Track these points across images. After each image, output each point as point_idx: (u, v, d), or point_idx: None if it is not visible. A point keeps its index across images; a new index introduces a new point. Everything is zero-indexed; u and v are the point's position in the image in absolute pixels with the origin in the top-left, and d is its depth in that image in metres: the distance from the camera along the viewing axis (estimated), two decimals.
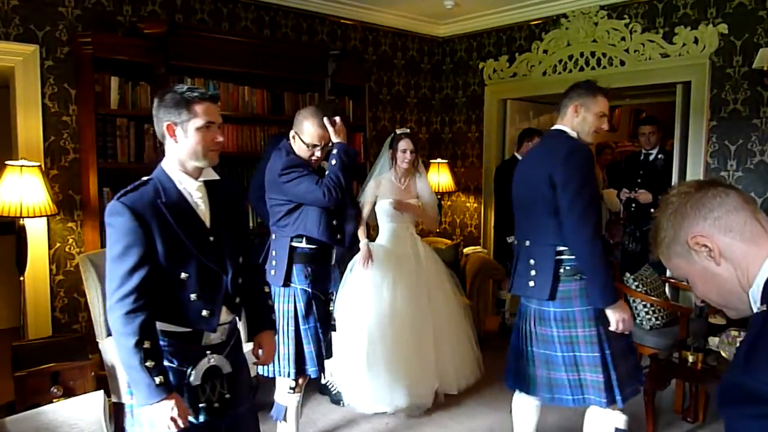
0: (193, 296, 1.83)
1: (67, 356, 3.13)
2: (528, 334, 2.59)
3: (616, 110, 8.66)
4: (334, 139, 2.73)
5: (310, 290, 2.75)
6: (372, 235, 3.94)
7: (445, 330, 3.79)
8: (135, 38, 3.83)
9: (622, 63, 4.69)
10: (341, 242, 2.89)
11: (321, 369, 2.81)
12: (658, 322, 3.81)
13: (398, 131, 3.85)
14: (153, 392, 1.71)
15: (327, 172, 2.72)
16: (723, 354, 3.15)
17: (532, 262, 2.54)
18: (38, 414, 2.32)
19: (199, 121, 1.85)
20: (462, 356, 3.86)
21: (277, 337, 2.66)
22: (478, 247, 5.45)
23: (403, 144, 3.75)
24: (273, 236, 2.86)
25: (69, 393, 2.93)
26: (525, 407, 2.76)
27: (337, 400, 3.72)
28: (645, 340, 3.73)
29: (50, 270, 3.91)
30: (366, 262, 3.63)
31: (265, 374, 2.79)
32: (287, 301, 2.73)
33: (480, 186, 5.88)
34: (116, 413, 3.24)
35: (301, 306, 2.73)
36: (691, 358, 3.15)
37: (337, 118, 2.73)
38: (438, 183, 5.69)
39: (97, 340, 3.24)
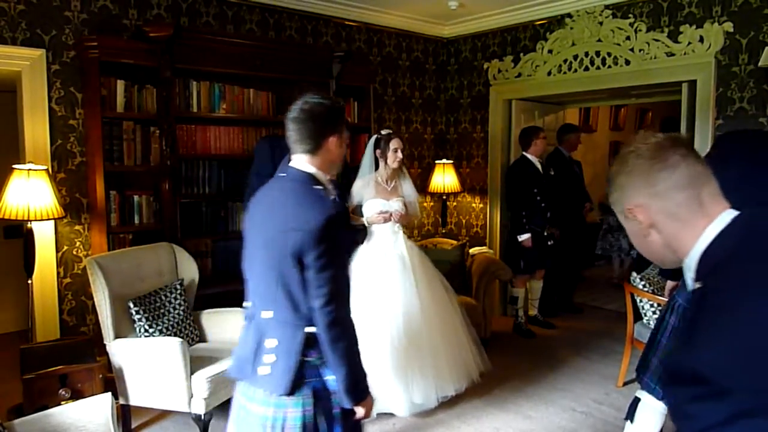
0: None
1: (74, 359, 3.16)
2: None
3: (621, 110, 8.64)
4: None
5: None
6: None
7: (439, 329, 3.75)
8: (141, 42, 3.84)
9: (627, 62, 4.67)
10: None
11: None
12: None
13: (384, 132, 3.88)
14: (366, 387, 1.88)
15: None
16: None
17: None
18: (47, 416, 2.33)
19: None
20: (457, 356, 3.84)
21: None
22: (484, 247, 5.44)
23: (395, 143, 3.81)
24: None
25: (77, 395, 2.95)
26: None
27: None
28: None
29: (58, 273, 3.93)
30: None
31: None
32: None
33: (485, 186, 5.87)
34: (124, 415, 3.27)
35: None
36: None
37: None
38: (443, 183, 5.69)
39: (105, 342, 3.26)
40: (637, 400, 2.58)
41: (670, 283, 2.76)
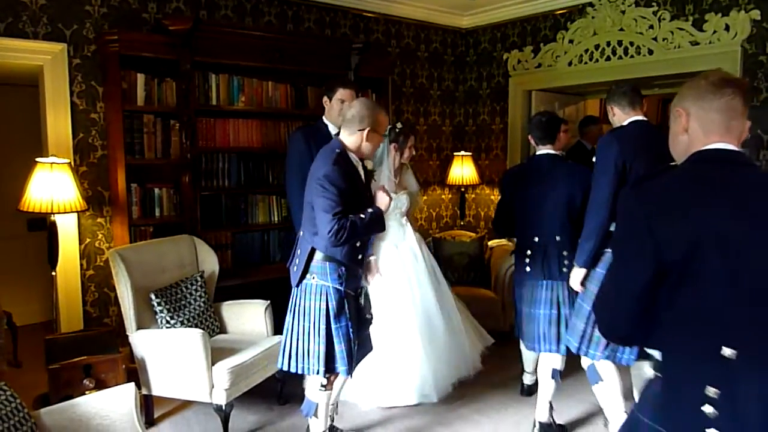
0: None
1: (98, 349, 3.20)
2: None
3: (643, 100, 8.49)
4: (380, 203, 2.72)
5: (342, 289, 2.70)
6: None
7: (446, 318, 3.74)
8: (160, 35, 3.86)
9: (651, 52, 4.59)
10: (361, 263, 2.83)
11: (351, 367, 2.76)
12: None
13: (399, 125, 3.88)
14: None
15: (353, 218, 2.55)
16: None
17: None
18: (72, 405, 2.37)
19: None
20: (462, 344, 3.84)
21: (307, 334, 2.68)
22: (503, 240, 5.40)
23: (411, 140, 3.91)
24: (301, 233, 2.82)
25: (101, 385, 2.99)
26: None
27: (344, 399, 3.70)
28: None
29: (81, 265, 3.98)
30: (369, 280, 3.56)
31: (296, 371, 2.77)
32: (319, 299, 2.69)
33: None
34: (146, 405, 3.31)
35: (333, 304, 2.68)
36: None
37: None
38: (462, 176, 5.65)
39: (128, 333, 3.30)
40: (593, 366, 2.95)
41: (582, 273, 2.94)
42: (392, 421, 3.47)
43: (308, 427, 3.06)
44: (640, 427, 1.43)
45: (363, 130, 2.65)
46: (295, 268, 2.77)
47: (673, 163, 1.56)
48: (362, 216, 2.59)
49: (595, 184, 2.83)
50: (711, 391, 1.29)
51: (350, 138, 2.68)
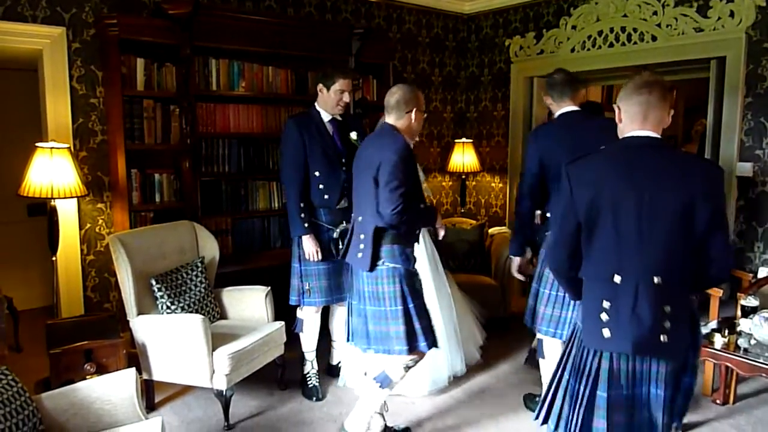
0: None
1: (99, 334, 3.20)
2: None
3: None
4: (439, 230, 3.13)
5: (411, 269, 2.83)
6: None
7: (440, 311, 3.72)
8: (160, 19, 3.83)
9: (654, 38, 4.56)
10: (418, 239, 2.97)
11: (434, 340, 2.86)
12: None
13: None
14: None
15: (414, 203, 2.78)
16: (756, 336, 3.09)
17: None
18: (73, 390, 2.38)
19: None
20: (465, 332, 3.85)
21: (385, 317, 2.78)
22: (504, 227, 5.40)
23: None
24: (359, 219, 2.88)
25: (102, 370, 3.00)
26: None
27: (343, 384, 3.71)
28: None
29: (81, 250, 3.99)
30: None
31: (378, 352, 2.82)
32: (393, 282, 2.77)
33: (506, 166, 5.80)
34: (147, 390, 3.32)
35: (405, 285, 2.78)
36: (721, 340, 3.09)
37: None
38: (463, 163, 5.63)
39: (128, 318, 3.31)
40: (540, 342, 3.15)
41: (516, 261, 3.29)
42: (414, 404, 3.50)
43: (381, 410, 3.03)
44: (576, 328, 2.10)
45: (410, 111, 2.82)
46: (360, 254, 2.83)
47: (602, 147, 2.06)
48: (421, 206, 2.91)
49: (521, 177, 3.20)
50: (606, 304, 1.93)
51: (399, 122, 2.84)
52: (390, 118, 2.85)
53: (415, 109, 2.83)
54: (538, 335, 3.17)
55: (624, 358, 1.93)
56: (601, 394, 1.94)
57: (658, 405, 1.95)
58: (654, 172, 1.88)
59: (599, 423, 1.94)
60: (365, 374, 3.14)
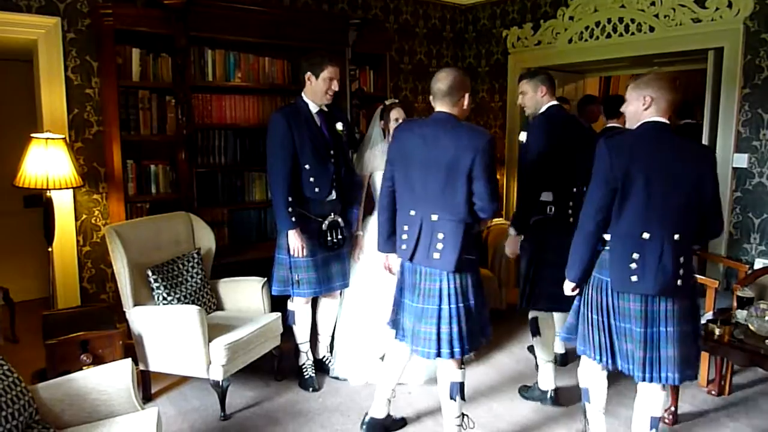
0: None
1: (95, 325, 3.21)
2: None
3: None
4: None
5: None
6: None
7: None
8: (155, 9, 3.80)
9: (652, 29, 4.54)
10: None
11: (486, 337, 2.84)
12: None
13: (387, 102, 3.77)
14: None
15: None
16: (751, 327, 3.10)
17: None
18: (69, 380, 2.38)
19: None
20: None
21: (471, 314, 2.67)
22: (501, 219, 5.40)
23: (395, 113, 3.63)
24: (435, 217, 2.63)
25: (98, 361, 3.00)
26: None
27: (336, 375, 3.71)
28: None
29: (77, 241, 3.98)
30: (357, 257, 3.66)
31: (468, 353, 2.74)
32: (453, 280, 2.64)
33: (503, 157, 5.80)
34: (143, 381, 3.33)
35: (467, 283, 2.68)
36: (717, 331, 3.10)
37: None
38: None
39: (125, 309, 3.31)
40: (534, 319, 3.36)
41: (516, 241, 3.39)
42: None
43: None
44: (594, 280, 2.51)
45: (463, 96, 2.67)
46: (437, 254, 2.60)
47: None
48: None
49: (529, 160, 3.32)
50: (635, 256, 2.36)
51: (455, 109, 2.66)
52: (444, 106, 2.64)
53: (467, 94, 2.68)
54: (531, 314, 3.38)
55: (642, 299, 2.38)
56: (621, 324, 2.46)
57: (668, 340, 2.40)
58: (675, 151, 2.35)
59: (623, 345, 2.48)
60: (381, 359, 3.08)
